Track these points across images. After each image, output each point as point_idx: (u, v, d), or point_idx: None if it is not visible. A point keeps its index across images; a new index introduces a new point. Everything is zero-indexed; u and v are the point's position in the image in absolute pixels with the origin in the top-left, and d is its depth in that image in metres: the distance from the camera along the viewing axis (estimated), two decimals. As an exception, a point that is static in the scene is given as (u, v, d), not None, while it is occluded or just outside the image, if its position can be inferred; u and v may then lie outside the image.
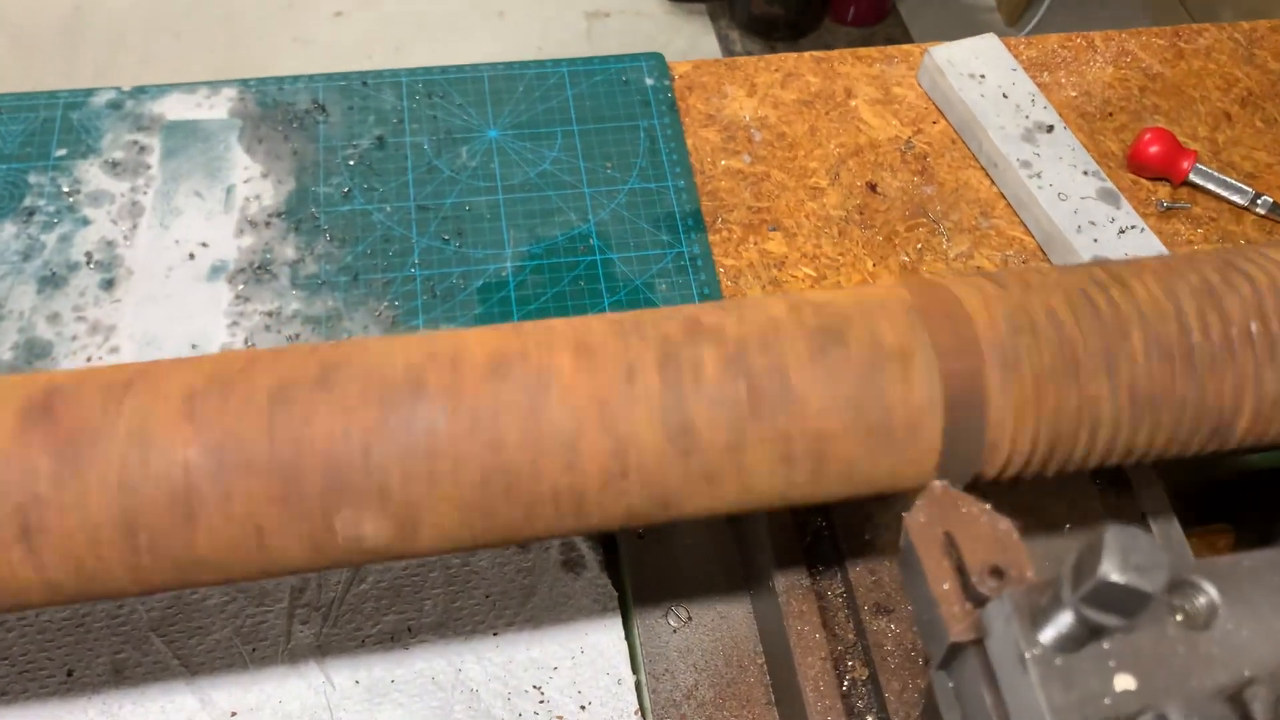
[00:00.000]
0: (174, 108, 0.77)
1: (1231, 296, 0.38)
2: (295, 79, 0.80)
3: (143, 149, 0.75)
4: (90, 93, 0.77)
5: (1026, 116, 0.84)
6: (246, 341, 0.68)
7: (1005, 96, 0.85)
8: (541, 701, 0.53)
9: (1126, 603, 0.30)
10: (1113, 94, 0.89)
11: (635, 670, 0.53)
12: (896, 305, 0.38)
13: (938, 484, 0.38)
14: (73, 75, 1.86)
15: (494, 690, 0.53)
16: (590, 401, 0.35)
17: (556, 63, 0.85)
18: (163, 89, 0.78)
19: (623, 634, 0.54)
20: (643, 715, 0.52)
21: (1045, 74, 0.90)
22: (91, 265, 0.70)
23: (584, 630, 0.54)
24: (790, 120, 0.85)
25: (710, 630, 0.52)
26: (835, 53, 0.90)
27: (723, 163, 0.82)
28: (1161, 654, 0.32)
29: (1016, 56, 0.89)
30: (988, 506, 0.38)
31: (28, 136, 0.74)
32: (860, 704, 0.47)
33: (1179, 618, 0.34)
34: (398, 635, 0.53)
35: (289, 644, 0.53)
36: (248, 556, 0.34)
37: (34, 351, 0.67)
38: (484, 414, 0.34)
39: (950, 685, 0.38)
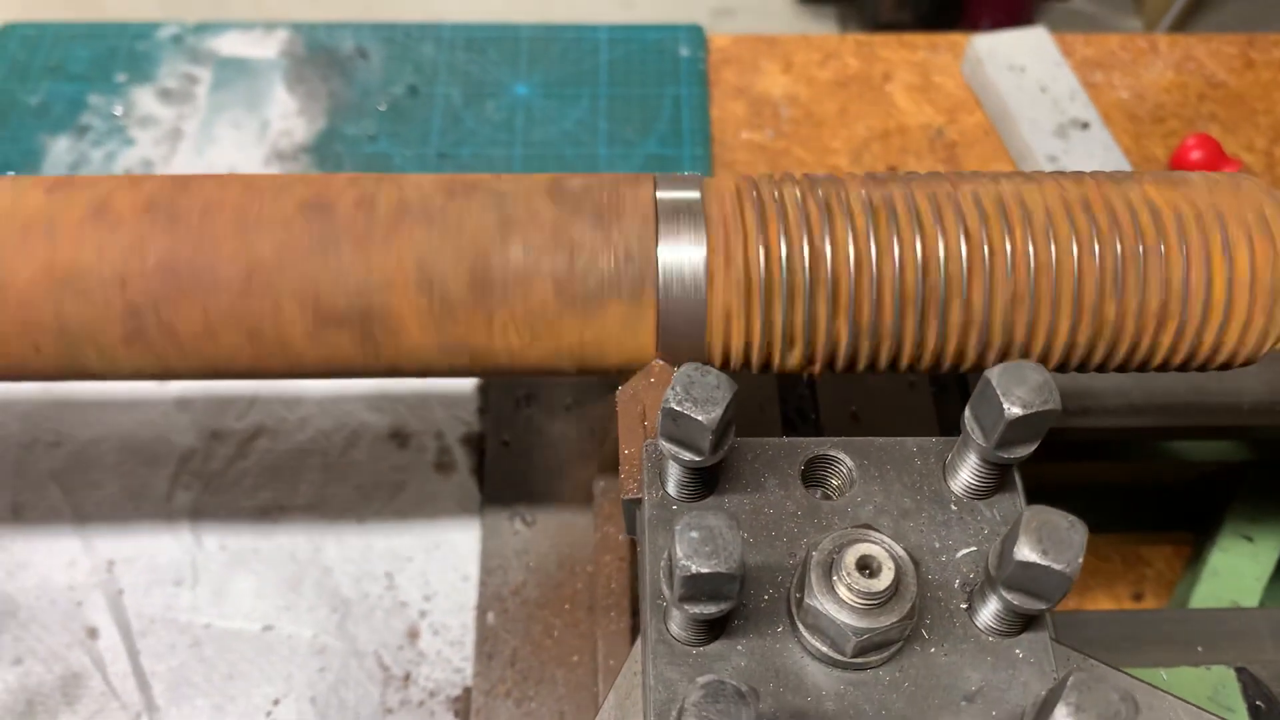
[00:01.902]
0: (229, 45, 0.83)
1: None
2: (344, 25, 0.85)
3: (194, 80, 0.81)
4: (156, 26, 0.83)
5: (1063, 112, 0.79)
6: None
7: (1043, 90, 0.81)
8: (389, 588, 0.53)
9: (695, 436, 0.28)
10: (1168, 98, 0.83)
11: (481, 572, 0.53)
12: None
13: (657, 362, 0.37)
14: (140, 8, 1.91)
15: (347, 571, 0.54)
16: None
17: (595, 28, 0.86)
18: (222, 26, 0.84)
19: (479, 535, 0.54)
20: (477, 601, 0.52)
21: (1098, 73, 0.85)
22: (127, 181, 0.76)
23: (444, 528, 0.55)
24: (821, 99, 0.83)
25: (550, 536, 0.52)
26: (879, 37, 0.88)
27: (744, 135, 0.81)
28: (766, 505, 0.30)
29: (1069, 54, 0.85)
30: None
31: (94, 61, 0.81)
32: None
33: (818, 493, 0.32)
34: (269, 511, 0.55)
35: (169, 504, 0.55)
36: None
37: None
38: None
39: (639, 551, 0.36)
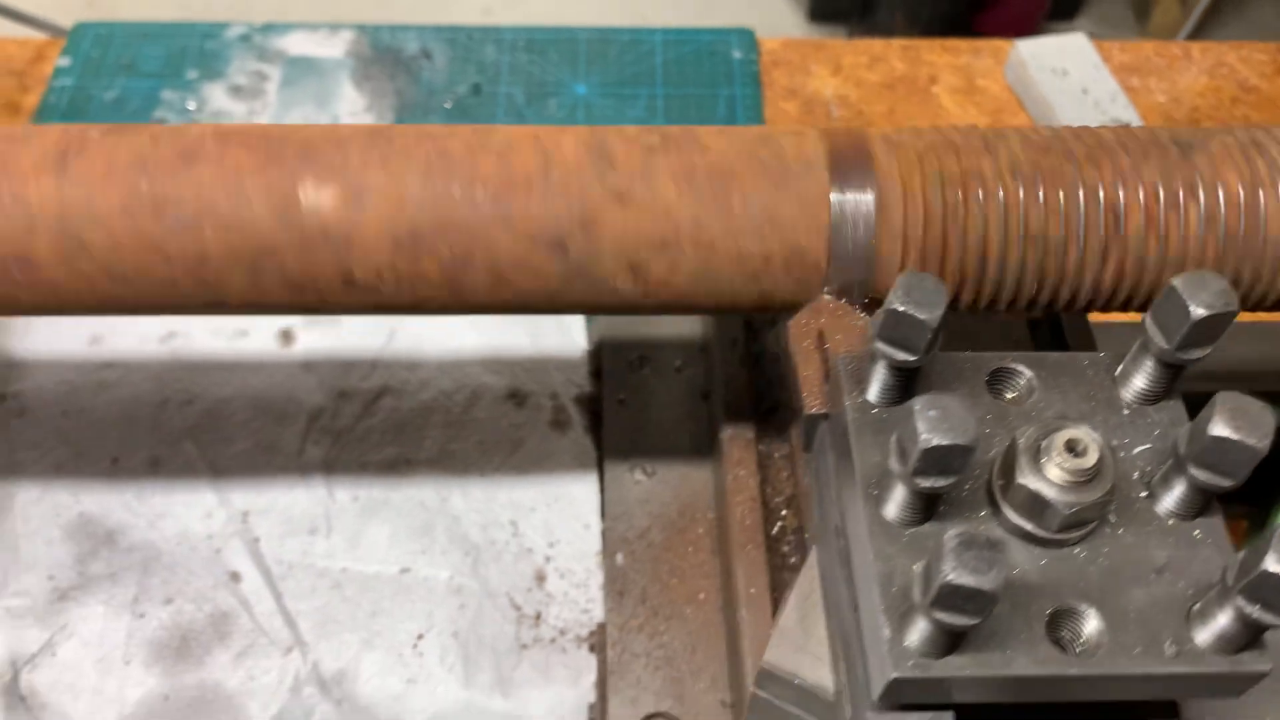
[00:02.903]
0: (296, 44, 0.85)
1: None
2: (407, 27, 0.88)
3: (264, 77, 0.83)
4: (225, 26, 0.86)
5: (1104, 113, 0.83)
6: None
7: (1085, 92, 0.85)
8: (514, 535, 0.56)
9: (912, 335, 0.31)
10: (1202, 102, 0.88)
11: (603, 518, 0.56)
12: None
13: (826, 296, 0.40)
14: (211, 9, 1.96)
15: (474, 520, 0.56)
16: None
17: (651, 31, 0.90)
18: (289, 26, 0.87)
19: (598, 488, 0.57)
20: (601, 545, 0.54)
21: (1135, 78, 0.89)
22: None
23: (563, 482, 0.57)
24: (870, 100, 0.87)
25: (670, 486, 0.54)
26: (924, 41, 0.92)
27: (800, 135, 0.84)
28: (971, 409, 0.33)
29: (1107, 59, 0.89)
30: (866, 317, 0.40)
31: (167, 59, 0.83)
32: (786, 549, 0.49)
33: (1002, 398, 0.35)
34: (396, 465, 0.58)
35: (301, 459, 0.58)
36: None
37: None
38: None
39: (814, 466, 0.39)
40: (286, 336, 0.62)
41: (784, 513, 0.50)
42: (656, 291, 0.40)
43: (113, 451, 0.58)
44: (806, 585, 0.38)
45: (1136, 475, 0.33)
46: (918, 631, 0.29)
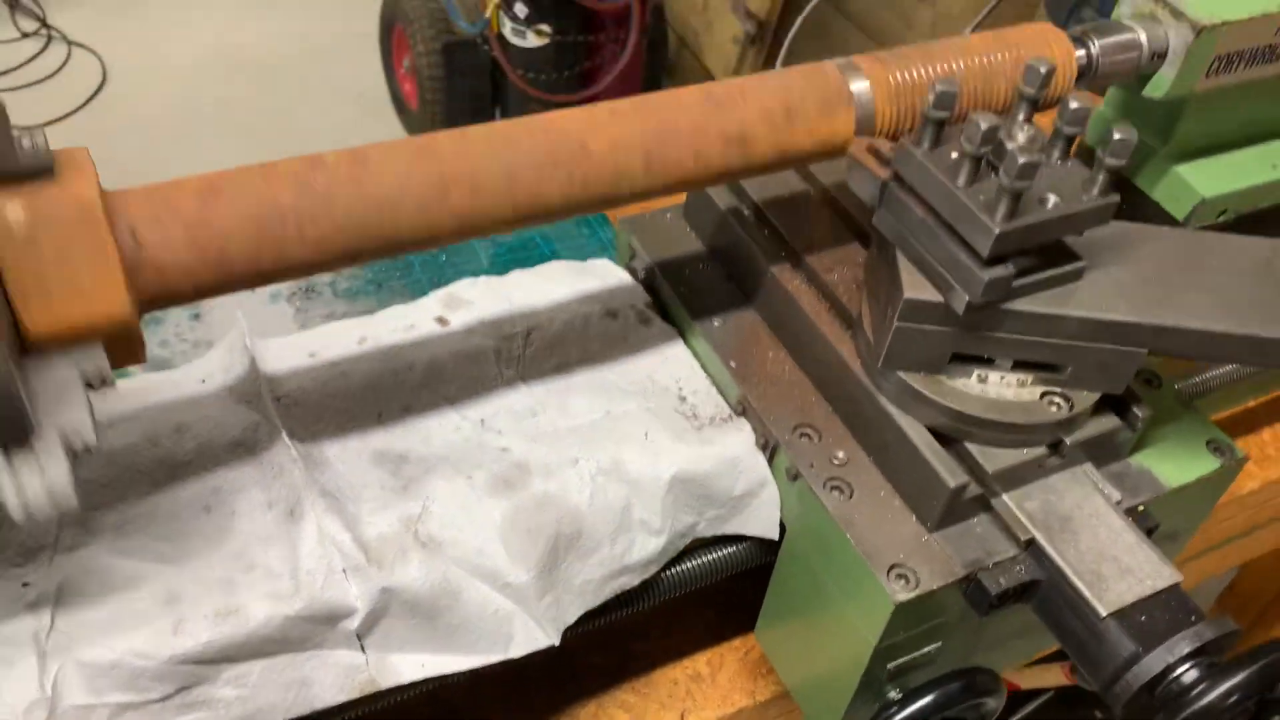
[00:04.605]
0: None
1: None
2: None
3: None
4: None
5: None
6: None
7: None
8: (653, 382, 0.86)
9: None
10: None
11: (698, 359, 0.88)
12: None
13: (859, 138, 0.76)
14: None
15: (625, 382, 0.86)
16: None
17: None
18: None
19: (688, 350, 0.89)
20: (704, 370, 0.86)
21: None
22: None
23: (666, 348, 0.89)
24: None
25: (731, 329, 0.88)
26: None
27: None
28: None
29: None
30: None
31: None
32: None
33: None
34: (561, 367, 0.86)
35: (502, 378, 0.85)
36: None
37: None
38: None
39: (887, 215, 0.74)
40: (442, 321, 0.89)
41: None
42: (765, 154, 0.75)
43: (375, 409, 0.82)
44: (903, 262, 0.73)
45: (1035, 154, 0.72)
46: (1001, 207, 0.65)
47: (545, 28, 3.01)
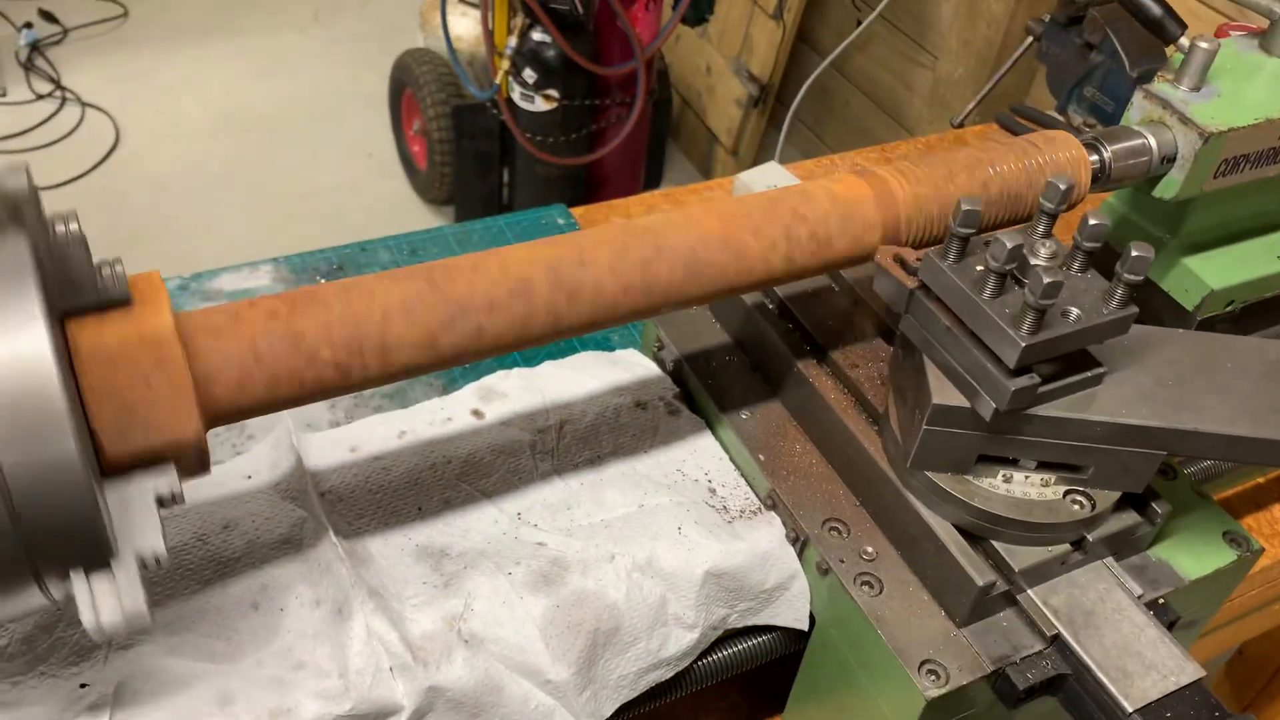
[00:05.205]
0: (228, 283, 1.15)
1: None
2: (313, 251, 1.20)
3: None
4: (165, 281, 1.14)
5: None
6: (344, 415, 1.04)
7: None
8: (682, 474, 0.88)
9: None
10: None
11: (727, 451, 0.90)
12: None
13: (883, 246, 0.79)
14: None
15: (657, 473, 0.88)
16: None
17: (495, 219, 1.28)
18: (215, 271, 1.16)
19: (716, 441, 0.91)
20: (732, 462, 0.89)
21: (830, 178, 1.38)
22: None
23: (693, 439, 0.91)
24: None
25: (759, 417, 0.90)
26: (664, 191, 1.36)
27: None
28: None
29: (795, 173, 1.37)
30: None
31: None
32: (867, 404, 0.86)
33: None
34: (594, 460, 0.89)
35: (537, 471, 0.87)
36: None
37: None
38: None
39: (914, 322, 0.76)
40: (477, 414, 0.91)
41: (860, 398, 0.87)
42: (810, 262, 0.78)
43: (416, 504, 0.84)
44: (930, 367, 0.75)
45: (1056, 263, 0.75)
46: (1027, 321, 0.68)
47: (553, 93, 3.05)
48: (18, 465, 0.51)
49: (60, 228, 0.55)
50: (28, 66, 4.15)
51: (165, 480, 0.57)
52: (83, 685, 0.70)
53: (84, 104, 4.03)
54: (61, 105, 4.01)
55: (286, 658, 0.72)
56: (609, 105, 3.18)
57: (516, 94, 3.08)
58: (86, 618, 0.54)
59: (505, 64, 3.00)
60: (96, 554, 0.54)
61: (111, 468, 0.56)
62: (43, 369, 0.51)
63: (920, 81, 3.28)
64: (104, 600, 0.54)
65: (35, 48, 4.20)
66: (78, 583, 0.54)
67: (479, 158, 3.32)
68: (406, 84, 3.47)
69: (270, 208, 3.58)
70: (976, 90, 1.71)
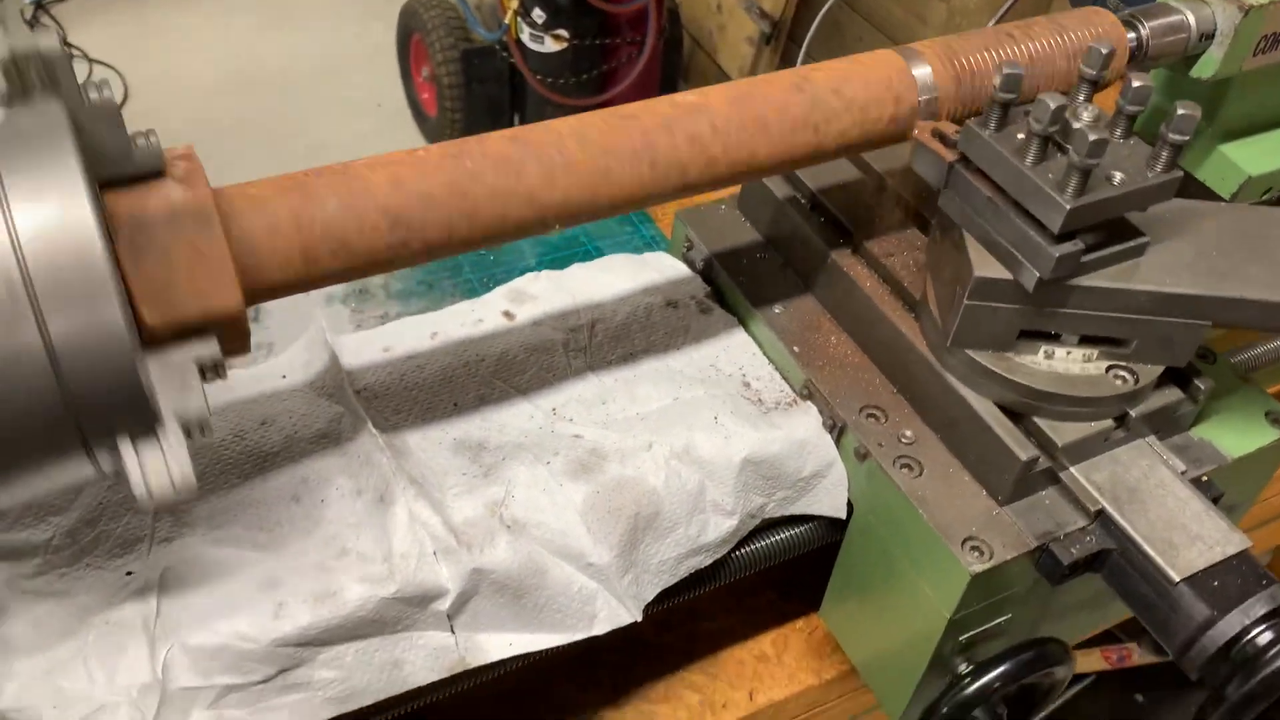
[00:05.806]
0: None
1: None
2: None
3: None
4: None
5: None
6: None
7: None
8: (716, 369, 0.88)
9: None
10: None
11: (760, 346, 0.89)
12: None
13: (922, 122, 0.78)
14: None
15: (691, 370, 0.87)
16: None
17: None
18: None
19: (749, 337, 0.90)
20: (766, 356, 0.88)
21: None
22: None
23: (725, 339, 0.90)
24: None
25: (792, 316, 0.89)
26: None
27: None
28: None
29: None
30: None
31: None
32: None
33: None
34: (627, 356, 0.88)
35: (571, 368, 0.86)
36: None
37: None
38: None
39: (954, 196, 0.75)
40: (508, 315, 0.90)
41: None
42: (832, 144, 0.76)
43: (451, 400, 0.83)
44: (971, 241, 0.74)
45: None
46: (1071, 184, 0.66)
47: (563, 32, 3.02)
48: (63, 331, 0.50)
49: (94, 94, 0.54)
50: (34, 23, 4.12)
51: (207, 349, 0.56)
52: (128, 574, 0.70)
53: (91, 61, 4.00)
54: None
55: (330, 545, 0.72)
56: (619, 44, 3.14)
57: (525, 35, 3.05)
58: (136, 485, 0.54)
59: (514, 3, 2.96)
60: (141, 420, 0.53)
61: (152, 338, 0.56)
62: (86, 234, 0.50)
63: (934, 13, 3.24)
64: (152, 467, 0.54)
65: (40, 5, 4.17)
66: (125, 451, 0.54)
67: (489, 101, 3.29)
68: (414, 29, 3.44)
69: (281, 162, 3.54)
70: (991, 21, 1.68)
